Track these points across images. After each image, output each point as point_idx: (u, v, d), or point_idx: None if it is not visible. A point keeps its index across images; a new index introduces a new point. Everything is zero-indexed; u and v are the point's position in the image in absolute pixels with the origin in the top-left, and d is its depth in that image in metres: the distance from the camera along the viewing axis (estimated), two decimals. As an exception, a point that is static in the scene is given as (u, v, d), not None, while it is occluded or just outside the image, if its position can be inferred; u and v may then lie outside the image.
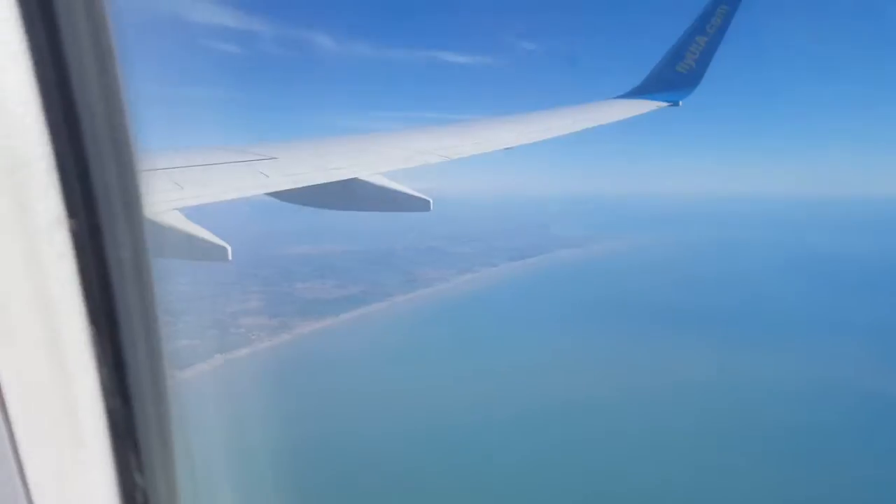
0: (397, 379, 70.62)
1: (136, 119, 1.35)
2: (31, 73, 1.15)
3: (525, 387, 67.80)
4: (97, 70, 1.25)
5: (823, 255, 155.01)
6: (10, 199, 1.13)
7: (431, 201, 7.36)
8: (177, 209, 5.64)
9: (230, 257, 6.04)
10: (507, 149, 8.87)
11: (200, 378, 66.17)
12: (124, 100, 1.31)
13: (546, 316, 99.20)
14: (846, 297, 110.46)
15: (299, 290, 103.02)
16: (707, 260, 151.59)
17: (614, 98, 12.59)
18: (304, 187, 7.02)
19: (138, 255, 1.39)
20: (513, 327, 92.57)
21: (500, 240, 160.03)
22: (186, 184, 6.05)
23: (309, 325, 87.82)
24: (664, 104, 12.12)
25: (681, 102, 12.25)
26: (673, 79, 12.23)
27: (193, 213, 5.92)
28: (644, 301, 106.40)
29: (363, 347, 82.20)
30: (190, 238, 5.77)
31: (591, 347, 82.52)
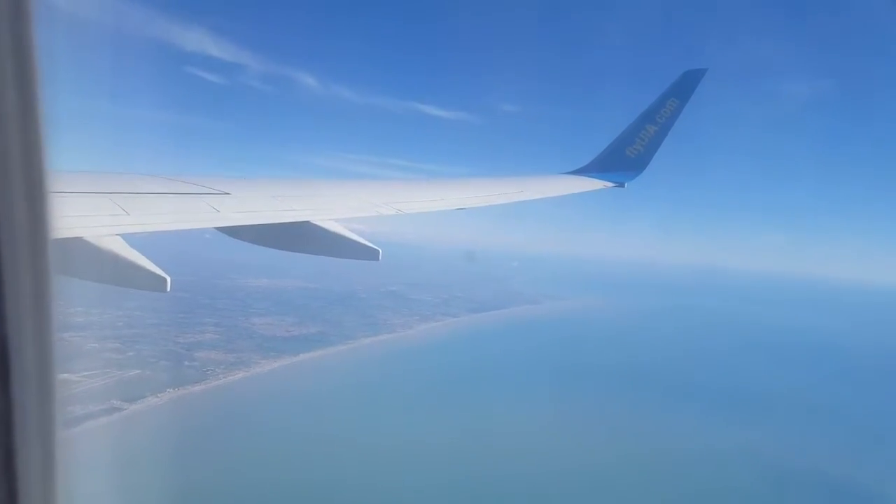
0: (359, 425, 68.86)
1: (51, 136, 1.33)
2: None
3: (485, 444, 67.38)
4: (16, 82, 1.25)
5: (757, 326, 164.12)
6: None
7: (381, 251, 7.44)
8: (119, 234, 5.51)
9: (168, 288, 5.89)
10: (460, 209, 9.11)
11: (149, 412, 63.34)
12: (40, 116, 1.30)
13: (511, 372, 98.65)
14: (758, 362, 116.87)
15: (257, 326, 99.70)
16: (661, 325, 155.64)
17: (565, 174, 13.16)
18: (254, 225, 7.00)
19: (39, 279, 1.37)
20: (479, 382, 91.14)
21: (459, 290, 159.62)
22: (133, 210, 5.94)
23: (267, 363, 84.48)
24: (610, 184, 12.72)
25: (626, 184, 12.89)
26: (622, 161, 12.92)
27: (136, 240, 5.79)
28: (611, 362, 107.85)
29: (323, 389, 79.61)
30: (130, 266, 5.62)
31: (560, 408, 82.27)
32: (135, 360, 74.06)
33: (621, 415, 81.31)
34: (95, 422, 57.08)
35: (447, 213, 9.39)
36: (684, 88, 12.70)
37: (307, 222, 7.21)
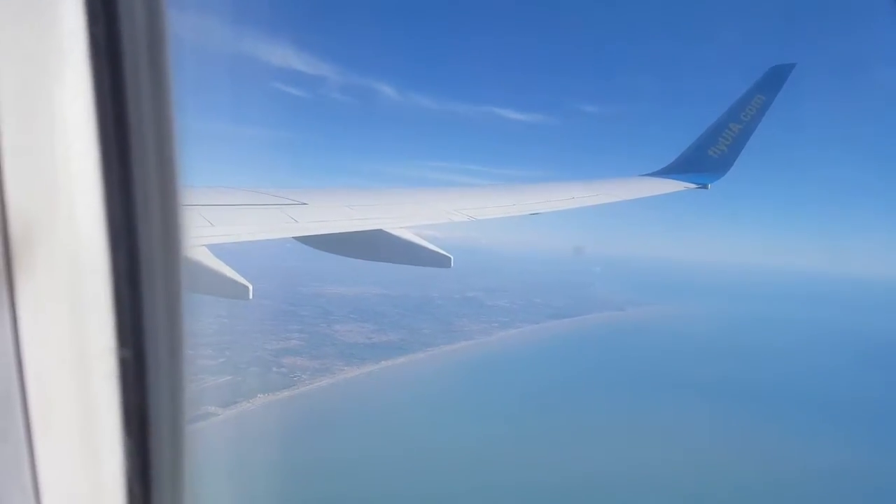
0: (443, 433, 68.88)
1: (186, 156, 1.43)
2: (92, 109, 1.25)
3: (574, 454, 66.09)
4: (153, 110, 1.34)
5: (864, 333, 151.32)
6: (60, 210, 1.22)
7: (452, 258, 7.47)
8: (205, 245, 5.82)
9: (251, 296, 6.16)
10: (533, 214, 9.00)
11: (242, 417, 66.16)
12: (175, 136, 1.39)
13: (598, 381, 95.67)
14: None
15: (339, 333, 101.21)
16: (751, 333, 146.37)
17: (645, 175, 12.74)
18: (329, 234, 7.22)
19: (171, 286, 1.46)
20: (568, 391, 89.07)
21: (538, 296, 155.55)
22: (218, 222, 6.26)
23: (351, 370, 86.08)
24: (693, 186, 12.22)
25: (710, 185, 12.33)
26: (704, 162, 12.38)
27: (220, 250, 6.10)
28: (694, 372, 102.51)
29: (408, 397, 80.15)
30: (214, 275, 5.91)
31: (646, 415, 79.92)
32: (226, 366, 77.15)
33: (720, 430, 77.17)
34: (192, 426, 60.75)
35: (525, 219, 9.32)
36: (772, 84, 11.99)
37: (380, 230, 7.36)
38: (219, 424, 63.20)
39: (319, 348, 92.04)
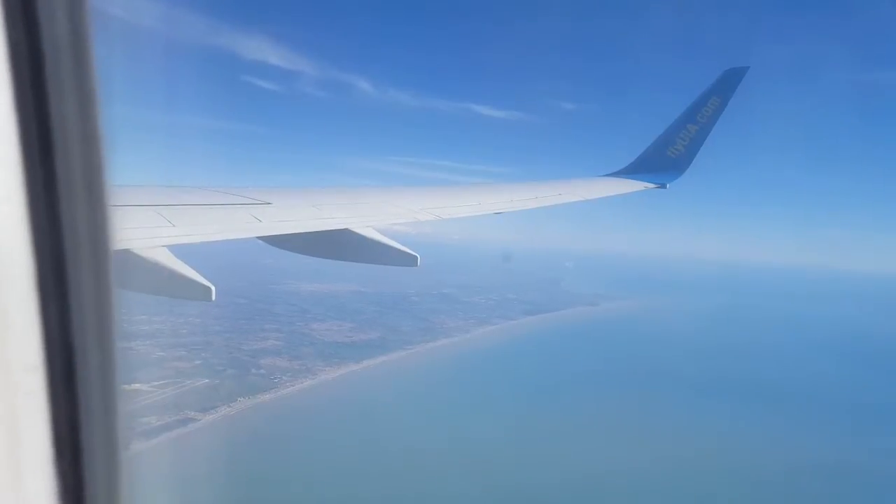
0: (438, 435, 67.95)
1: (111, 153, 1.40)
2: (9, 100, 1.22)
3: (565, 453, 66.05)
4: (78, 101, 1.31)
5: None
6: None
7: (419, 258, 7.48)
8: (165, 246, 5.70)
9: (213, 297, 6.05)
10: (497, 213, 9.08)
11: (223, 423, 62.82)
12: (100, 128, 1.37)
13: (585, 376, 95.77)
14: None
15: (317, 332, 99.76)
16: (720, 326, 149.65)
17: (606, 175, 12.97)
18: (294, 234, 7.14)
19: (101, 296, 1.42)
20: (551, 388, 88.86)
21: (511, 292, 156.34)
22: (179, 222, 6.14)
23: (332, 371, 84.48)
24: (652, 185, 12.48)
25: (668, 185, 12.62)
26: (663, 162, 12.65)
27: (182, 251, 5.97)
28: (670, 366, 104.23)
29: (394, 399, 78.58)
30: (175, 276, 5.79)
31: (627, 412, 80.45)
32: (203, 368, 74.57)
33: (703, 422, 78.52)
34: (172, 433, 57.54)
35: (489, 217, 9.39)
36: (726, 87, 12.37)
37: (346, 230, 7.32)
38: (199, 431, 60.47)
39: (298, 348, 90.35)
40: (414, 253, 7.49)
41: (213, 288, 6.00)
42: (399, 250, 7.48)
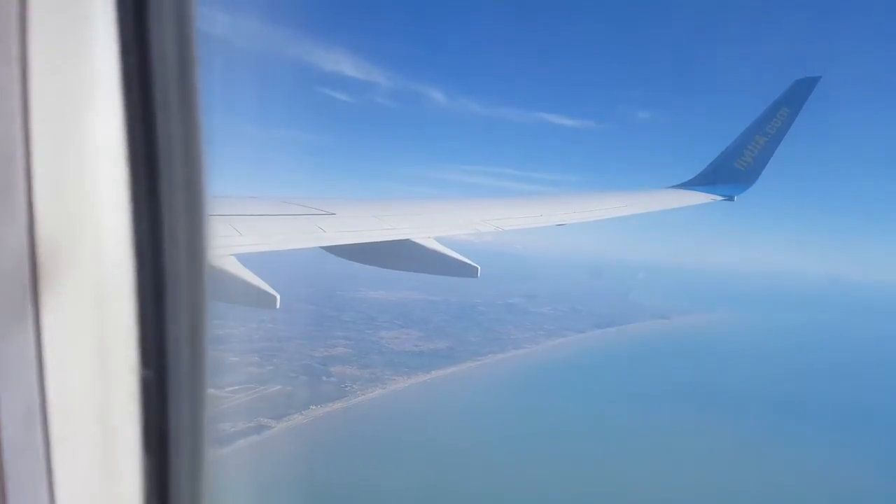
0: (508, 450, 66.60)
1: (212, 179, 1.48)
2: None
3: (641, 469, 64.25)
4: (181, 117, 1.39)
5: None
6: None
7: (479, 269, 7.46)
8: (233, 255, 5.92)
9: (278, 305, 6.23)
10: (560, 225, 8.95)
11: (297, 431, 63.19)
12: (203, 161, 1.45)
13: (659, 392, 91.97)
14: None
15: (385, 340, 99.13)
16: (798, 340, 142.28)
17: (672, 187, 12.65)
18: (357, 244, 7.28)
19: (196, 308, 1.50)
20: (629, 403, 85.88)
21: (580, 303, 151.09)
22: (246, 232, 6.38)
23: (402, 381, 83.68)
24: (719, 198, 12.21)
25: (736, 197, 12.32)
26: (731, 174, 12.34)
27: (248, 260, 6.20)
28: (752, 382, 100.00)
29: (465, 411, 77.37)
30: (242, 284, 6.01)
31: (711, 426, 78.12)
32: (275, 374, 75.19)
33: (777, 442, 74.57)
34: (247, 440, 58.19)
35: (552, 229, 9.27)
36: (796, 97, 11.96)
37: (407, 240, 7.40)
38: (274, 438, 60.78)
39: (367, 356, 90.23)
40: (475, 264, 7.48)
41: (277, 296, 6.19)
42: (460, 261, 7.50)
